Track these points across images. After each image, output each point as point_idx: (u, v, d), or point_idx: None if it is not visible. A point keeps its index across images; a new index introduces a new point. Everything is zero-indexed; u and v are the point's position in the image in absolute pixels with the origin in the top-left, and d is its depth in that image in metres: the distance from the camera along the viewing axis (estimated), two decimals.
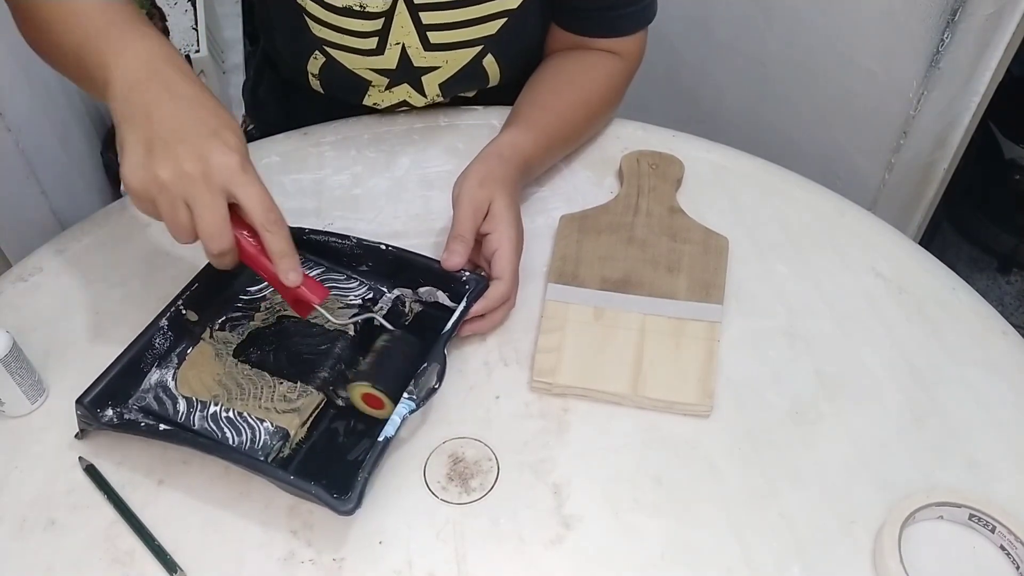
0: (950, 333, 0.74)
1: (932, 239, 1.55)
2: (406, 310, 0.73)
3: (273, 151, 0.90)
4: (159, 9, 1.55)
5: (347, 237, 0.74)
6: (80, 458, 0.64)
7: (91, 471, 0.64)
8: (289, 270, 0.61)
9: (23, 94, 1.23)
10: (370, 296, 0.73)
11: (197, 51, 1.50)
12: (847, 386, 0.70)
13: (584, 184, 0.86)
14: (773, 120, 1.27)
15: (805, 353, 0.72)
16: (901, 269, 0.79)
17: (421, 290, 0.73)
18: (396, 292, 0.73)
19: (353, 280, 0.74)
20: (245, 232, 0.61)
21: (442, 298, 0.72)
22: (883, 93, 1.10)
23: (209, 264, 0.71)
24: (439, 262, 0.71)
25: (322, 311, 0.64)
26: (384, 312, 0.72)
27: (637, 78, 0.93)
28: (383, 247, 0.73)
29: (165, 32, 1.51)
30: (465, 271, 0.71)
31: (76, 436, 0.66)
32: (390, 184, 0.86)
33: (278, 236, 0.60)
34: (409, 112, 0.93)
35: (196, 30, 1.53)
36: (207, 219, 0.58)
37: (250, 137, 1.06)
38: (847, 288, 0.77)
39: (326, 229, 0.76)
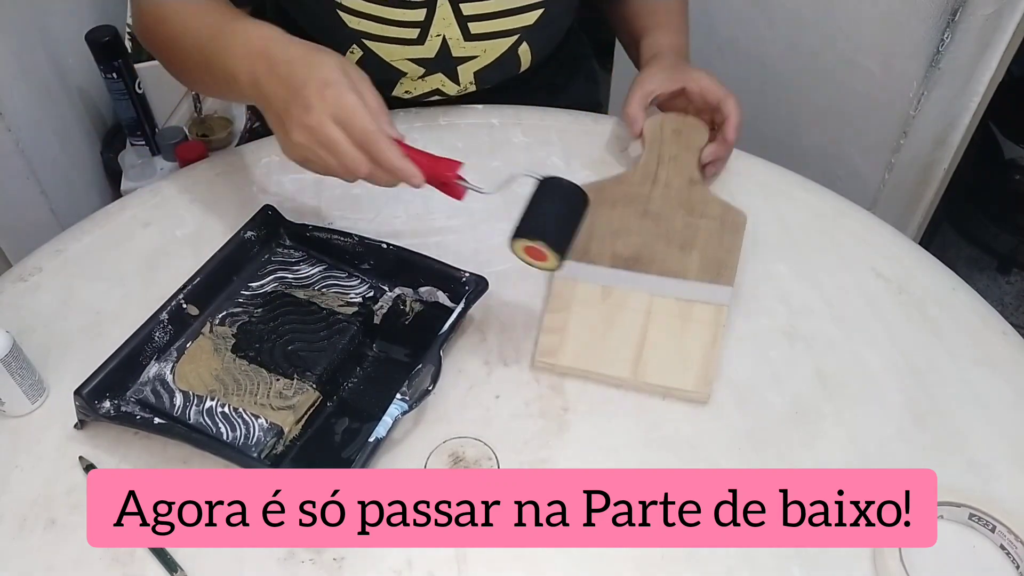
0: (950, 333, 0.74)
1: (932, 239, 1.55)
2: (406, 309, 0.73)
3: (273, 151, 0.89)
4: None
5: (349, 235, 0.74)
6: (80, 458, 0.64)
7: (91, 471, 0.64)
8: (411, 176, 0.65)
9: (23, 94, 1.23)
10: (371, 294, 0.73)
11: None
12: (847, 386, 0.70)
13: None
14: (773, 120, 1.27)
15: (805, 353, 0.72)
16: (901, 269, 0.79)
17: (421, 290, 0.73)
18: (397, 291, 0.73)
19: (355, 278, 0.74)
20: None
21: (442, 298, 0.72)
22: (883, 93, 1.10)
23: (210, 259, 0.72)
24: (440, 262, 0.71)
25: (468, 183, 0.66)
26: (385, 311, 0.72)
27: None
28: (384, 246, 0.73)
29: None
30: (465, 272, 0.71)
31: (75, 426, 0.66)
32: None
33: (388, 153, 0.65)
34: (408, 111, 0.93)
35: None
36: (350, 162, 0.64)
37: (255, 135, 1.07)
38: (847, 288, 0.77)
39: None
